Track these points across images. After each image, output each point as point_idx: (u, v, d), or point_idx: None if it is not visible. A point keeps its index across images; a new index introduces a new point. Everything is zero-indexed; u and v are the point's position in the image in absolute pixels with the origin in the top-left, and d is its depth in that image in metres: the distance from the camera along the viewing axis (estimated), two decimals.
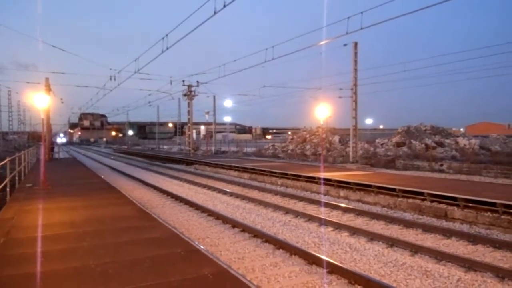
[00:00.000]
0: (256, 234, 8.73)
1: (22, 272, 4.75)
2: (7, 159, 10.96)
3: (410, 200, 11.59)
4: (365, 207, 12.17)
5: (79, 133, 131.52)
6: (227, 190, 15.58)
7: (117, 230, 6.93)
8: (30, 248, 5.76)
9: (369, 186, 13.22)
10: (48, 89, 24.23)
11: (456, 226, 9.69)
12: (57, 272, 4.74)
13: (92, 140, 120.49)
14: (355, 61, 23.70)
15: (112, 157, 44.91)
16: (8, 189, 10.68)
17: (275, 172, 18.63)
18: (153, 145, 71.68)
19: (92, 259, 5.19)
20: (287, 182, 17.37)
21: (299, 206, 12.55)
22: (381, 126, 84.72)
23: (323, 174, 15.99)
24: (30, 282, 4.45)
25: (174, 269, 4.87)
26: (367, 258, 7.23)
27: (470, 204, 10.06)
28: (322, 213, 11.30)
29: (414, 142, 34.27)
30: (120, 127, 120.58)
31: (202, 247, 6.21)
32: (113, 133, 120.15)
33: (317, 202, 12.78)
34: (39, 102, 13.58)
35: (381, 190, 12.73)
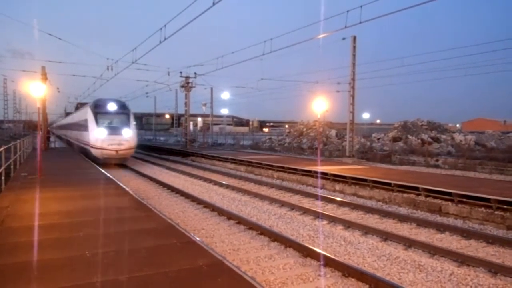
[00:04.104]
0: (251, 226, 8.77)
1: (17, 261, 4.75)
2: (2, 148, 10.90)
3: (405, 195, 11.66)
4: (360, 201, 12.24)
5: None
6: (223, 182, 15.60)
7: (113, 220, 6.93)
8: (25, 237, 5.76)
9: (365, 180, 13.28)
10: (45, 78, 24.01)
11: (450, 221, 9.77)
12: (53, 261, 4.75)
13: None
14: (354, 55, 23.61)
15: None
16: (3, 178, 10.64)
17: (272, 165, 18.66)
18: (150, 136, 71.51)
19: (88, 249, 5.21)
20: (283, 175, 17.40)
21: (295, 199, 12.60)
22: (378, 121, 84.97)
23: (319, 168, 16.04)
24: (25, 271, 4.46)
25: (169, 259, 4.89)
26: (361, 251, 7.29)
27: (464, 200, 10.13)
28: (318, 206, 11.35)
29: (410, 137, 34.41)
30: None
31: (197, 238, 6.23)
32: None
33: (312, 196, 12.82)
34: (35, 91, 13.47)
35: (376, 184, 12.79)
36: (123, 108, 22.10)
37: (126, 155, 21.17)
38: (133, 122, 21.68)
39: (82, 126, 23.28)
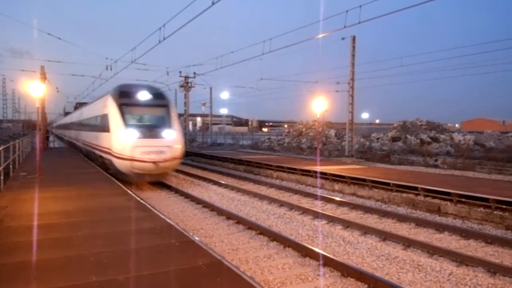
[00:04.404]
0: (250, 226, 8.76)
1: (15, 261, 4.75)
2: (1, 148, 10.89)
3: (404, 195, 11.66)
4: (359, 201, 12.24)
5: None
6: (222, 182, 15.59)
7: (112, 220, 6.93)
8: (24, 237, 5.76)
9: (364, 180, 13.28)
10: (44, 77, 23.99)
11: (449, 221, 9.78)
12: (51, 261, 4.75)
13: None
14: (353, 55, 23.62)
15: None
16: (2, 178, 10.63)
17: (271, 165, 18.65)
18: None
19: (87, 249, 5.20)
20: (283, 175, 17.40)
21: (294, 199, 12.60)
22: (377, 121, 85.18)
23: (318, 168, 16.04)
24: (24, 270, 4.45)
25: (168, 259, 4.89)
26: (360, 251, 7.29)
27: (463, 199, 10.14)
28: (317, 206, 11.35)
29: (409, 137, 34.46)
30: None
31: (196, 238, 6.23)
32: None
33: (312, 195, 12.83)
34: (34, 91, 13.46)
35: (375, 184, 12.79)
36: (161, 97, 15.24)
37: (168, 169, 14.12)
38: (176, 118, 14.90)
39: (98, 125, 16.48)
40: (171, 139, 13.87)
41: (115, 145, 13.60)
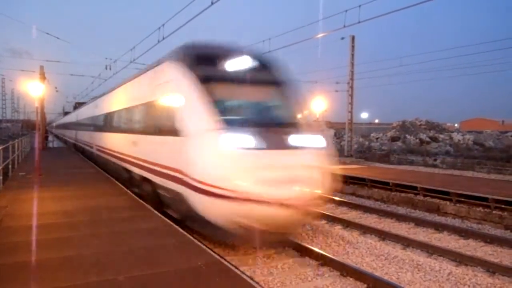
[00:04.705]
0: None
1: (15, 261, 4.74)
2: (0, 147, 10.87)
3: (403, 194, 11.67)
4: (359, 201, 12.24)
5: None
6: None
7: (111, 220, 6.92)
8: (23, 237, 5.75)
9: (363, 179, 13.28)
10: (43, 77, 23.94)
11: (448, 220, 9.79)
12: (51, 261, 4.74)
13: None
14: (352, 55, 23.61)
15: None
16: (1, 178, 10.61)
17: None
18: None
19: (86, 249, 5.20)
20: None
21: None
22: (376, 121, 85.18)
23: None
24: (23, 270, 4.45)
25: (168, 259, 4.88)
26: (359, 251, 7.30)
27: (463, 199, 10.16)
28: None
29: (409, 136, 34.49)
30: None
31: (196, 238, 6.22)
32: None
33: None
34: (34, 91, 13.44)
35: (374, 184, 12.80)
36: (275, 68, 7.73)
37: (309, 216, 6.72)
38: (309, 108, 8.56)
39: (145, 120, 9.13)
40: (317, 149, 6.71)
41: (198, 165, 6.31)
